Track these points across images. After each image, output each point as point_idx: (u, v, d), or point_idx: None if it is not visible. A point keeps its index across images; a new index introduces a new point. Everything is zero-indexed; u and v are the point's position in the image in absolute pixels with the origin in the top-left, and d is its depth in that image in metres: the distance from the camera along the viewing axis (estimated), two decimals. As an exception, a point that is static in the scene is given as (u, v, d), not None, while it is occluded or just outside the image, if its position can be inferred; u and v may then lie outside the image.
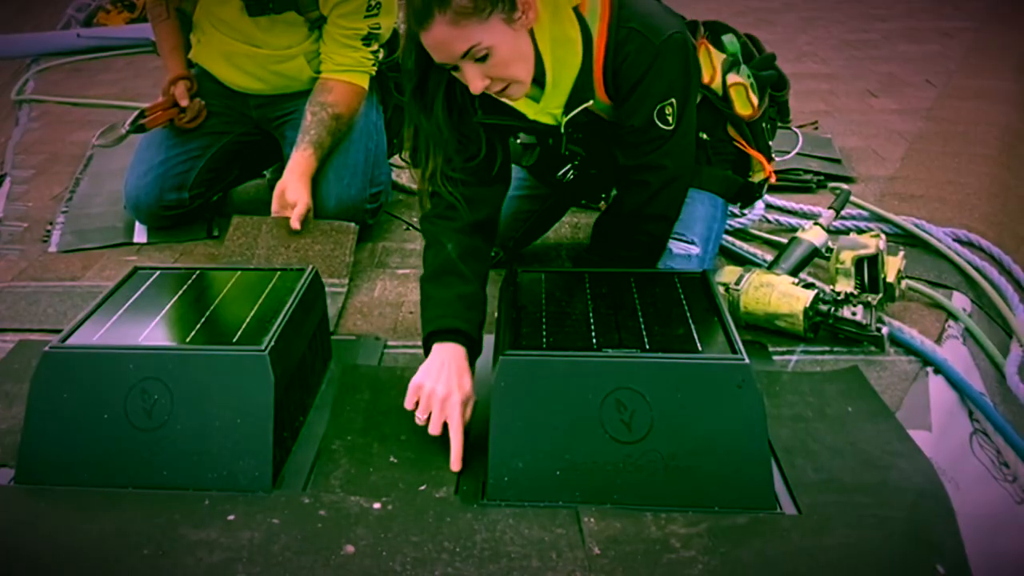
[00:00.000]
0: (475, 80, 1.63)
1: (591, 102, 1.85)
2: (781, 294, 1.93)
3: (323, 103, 2.44)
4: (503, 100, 1.78)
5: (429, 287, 1.75)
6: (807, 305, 1.89)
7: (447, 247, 1.77)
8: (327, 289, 1.95)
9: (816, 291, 1.92)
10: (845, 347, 1.90)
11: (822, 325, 1.91)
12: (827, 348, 1.91)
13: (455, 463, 1.54)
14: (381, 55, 2.53)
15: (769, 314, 1.93)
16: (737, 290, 1.96)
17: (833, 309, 1.90)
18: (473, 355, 1.68)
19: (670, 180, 1.92)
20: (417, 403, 1.59)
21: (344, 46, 2.46)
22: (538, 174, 2.23)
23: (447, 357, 1.62)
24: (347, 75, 2.48)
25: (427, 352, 1.66)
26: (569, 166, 2.05)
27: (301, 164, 2.38)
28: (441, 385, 1.58)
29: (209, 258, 2.45)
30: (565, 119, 1.88)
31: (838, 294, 1.93)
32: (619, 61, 1.79)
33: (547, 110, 1.88)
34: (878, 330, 1.86)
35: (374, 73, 2.53)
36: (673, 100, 1.83)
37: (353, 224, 2.36)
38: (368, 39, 2.47)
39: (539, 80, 1.81)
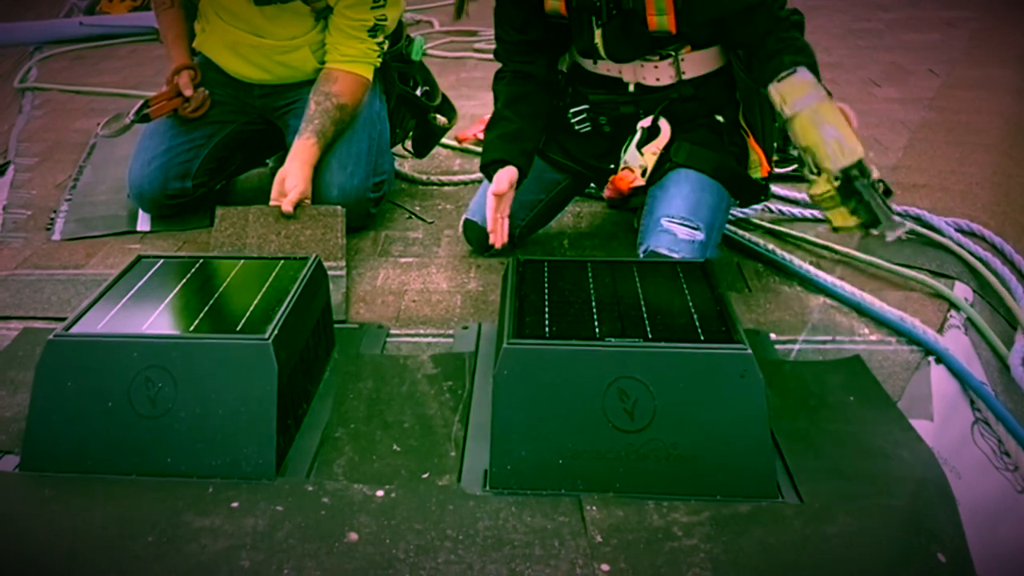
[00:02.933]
0: None
1: None
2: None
3: (327, 93, 2.44)
4: None
5: (485, 134, 2.29)
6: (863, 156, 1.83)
7: (498, 102, 2.30)
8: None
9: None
10: (846, 335, 1.91)
11: (854, 182, 1.84)
12: (829, 338, 1.92)
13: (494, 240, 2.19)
14: (386, 46, 2.53)
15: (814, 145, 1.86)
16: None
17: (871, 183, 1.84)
18: (519, 170, 2.19)
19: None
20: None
21: (350, 37, 2.46)
22: (554, 129, 2.32)
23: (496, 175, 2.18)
24: (352, 66, 2.48)
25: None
26: (584, 112, 2.25)
27: (303, 152, 2.38)
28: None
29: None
30: None
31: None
32: None
33: None
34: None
35: (379, 64, 2.52)
36: None
37: (340, 207, 2.35)
38: (374, 30, 2.46)
39: None
